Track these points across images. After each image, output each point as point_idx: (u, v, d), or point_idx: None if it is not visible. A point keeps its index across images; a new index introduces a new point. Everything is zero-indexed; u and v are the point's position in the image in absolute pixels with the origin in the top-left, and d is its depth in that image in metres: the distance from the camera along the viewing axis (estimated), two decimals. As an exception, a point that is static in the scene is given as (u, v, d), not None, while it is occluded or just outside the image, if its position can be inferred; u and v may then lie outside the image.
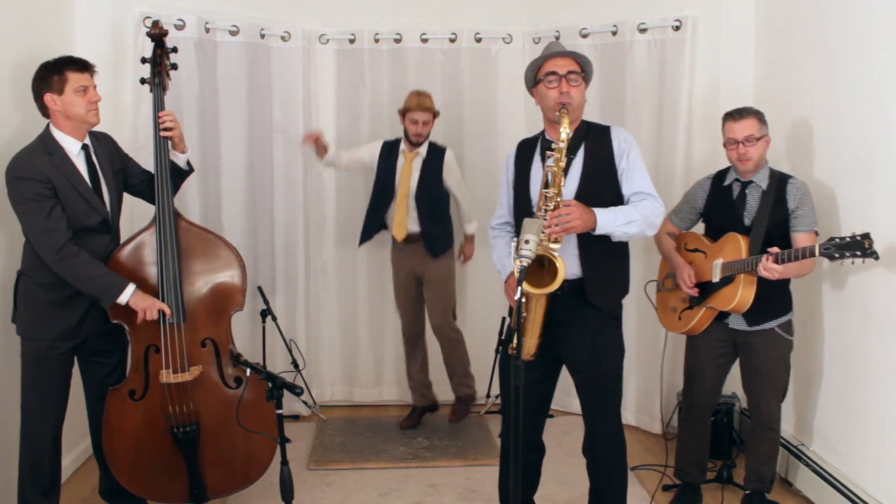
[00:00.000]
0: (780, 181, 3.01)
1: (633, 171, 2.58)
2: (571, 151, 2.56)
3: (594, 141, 2.59)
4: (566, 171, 2.55)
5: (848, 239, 2.64)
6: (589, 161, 2.57)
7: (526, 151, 2.74)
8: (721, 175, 3.18)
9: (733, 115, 3.05)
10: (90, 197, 2.77)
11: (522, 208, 2.67)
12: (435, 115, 4.02)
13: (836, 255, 2.65)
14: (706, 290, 3.08)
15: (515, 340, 2.51)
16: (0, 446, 3.00)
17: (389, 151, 4.07)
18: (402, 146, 4.05)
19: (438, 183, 4.02)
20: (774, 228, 2.98)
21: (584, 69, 2.59)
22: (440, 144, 4.08)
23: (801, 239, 2.96)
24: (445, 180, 4.04)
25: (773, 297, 3.00)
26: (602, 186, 2.57)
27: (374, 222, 4.09)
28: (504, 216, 2.82)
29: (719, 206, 3.13)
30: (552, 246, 2.40)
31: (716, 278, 3.03)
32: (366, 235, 4.13)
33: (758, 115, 3.03)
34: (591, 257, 2.55)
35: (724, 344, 3.14)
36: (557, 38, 4.23)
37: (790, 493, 3.37)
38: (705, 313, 3.11)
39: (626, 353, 2.74)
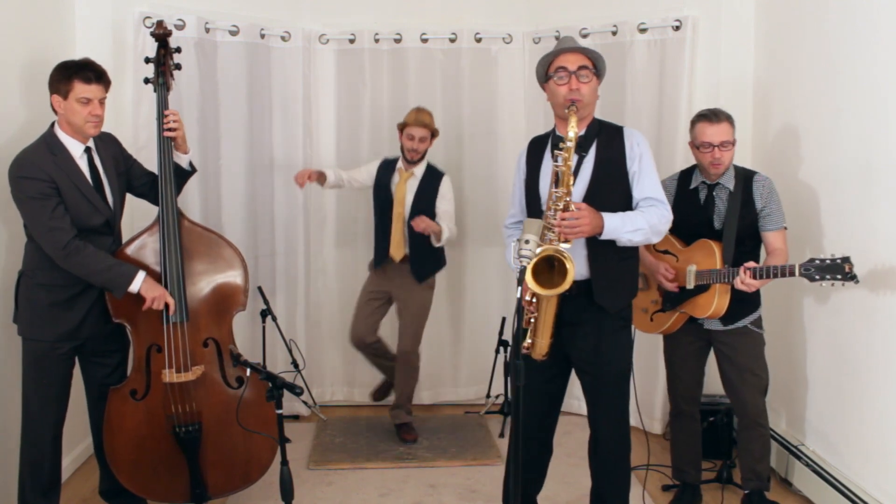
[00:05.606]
0: (745, 179, 3.01)
1: (644, 176, 2.55)
2: (583, 150, 2.53)
3: (606, 141, 2.56)
4: (577, 169, 2.53)
5: (828, 261, 2.66)
6: (599, 161, 2.54)
7: (537, 149, 2.71)
8: (686, 176, 3.15)
9: (709, 118, 2.99)
10: (93, 197, 2.78)
11: (533, 207, 2.64)
12: (434, 133, 3.89)
13: (817, 277, 2.67)
14: (679, 294, 3.06)
15: (528, 340, 2.53)
16: (0, 447, 3.00)
17: (386, 168, 3.97)
18: (399, 164, 3.94)
19: (432, 207, 3.89)
20: (745, 229, 2.98)
21: (595, 65, 2.55)
22: (439, 168, 3.98)
23: (771, 238, 2.97)
24: (437, 206, 3.89)
25: (746, 296, 2.97)
26: (611, 187, 2.55)
27: (386, 243, 3.91)
28: (516, 215, 2.79)
29: (687, 209, 3.08)
30: (563, 246, 2.37)
31: (690, 285, 3.01)
32: (381, 258, 3.96)
33: (731, 120, 3.00)
34: (600, 258, 2.53)
35: (699, 339, 3.15)
36: (557, 38, 4.24)
37: (790, 492, 3.38)
38: (679, 317, 3.10)
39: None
